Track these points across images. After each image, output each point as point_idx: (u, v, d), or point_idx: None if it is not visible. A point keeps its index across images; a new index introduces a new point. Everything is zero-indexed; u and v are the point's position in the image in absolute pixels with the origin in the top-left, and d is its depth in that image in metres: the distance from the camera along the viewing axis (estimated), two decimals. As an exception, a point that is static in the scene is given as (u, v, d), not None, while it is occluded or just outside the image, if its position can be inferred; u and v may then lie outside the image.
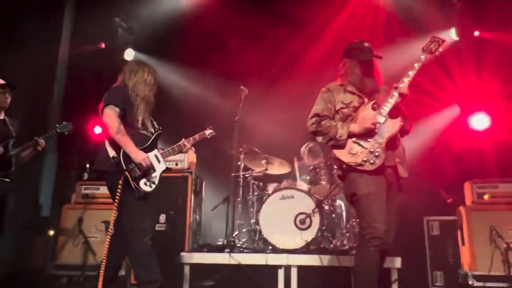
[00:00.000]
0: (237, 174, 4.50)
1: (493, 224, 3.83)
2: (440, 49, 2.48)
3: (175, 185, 4.40)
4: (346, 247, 4.05)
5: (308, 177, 4.50)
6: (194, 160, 4.64)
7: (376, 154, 2.28)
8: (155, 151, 2.86)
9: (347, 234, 4.25)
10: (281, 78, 5.93)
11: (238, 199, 4.53)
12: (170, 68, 6.15)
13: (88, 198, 4.80)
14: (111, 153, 2.69)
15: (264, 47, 6.10)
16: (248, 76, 5.37)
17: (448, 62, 5.36)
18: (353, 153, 2.33)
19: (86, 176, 5.43)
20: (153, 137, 2.90)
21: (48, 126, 5.67)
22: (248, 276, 3.77)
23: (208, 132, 3.27)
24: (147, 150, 2.77)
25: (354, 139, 2.36)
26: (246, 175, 4.60)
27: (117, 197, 2.61)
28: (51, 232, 4.77)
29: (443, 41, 2.48)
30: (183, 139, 3.12)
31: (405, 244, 4.01)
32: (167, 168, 2.95)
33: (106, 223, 4.50)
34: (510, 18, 5.05)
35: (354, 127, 2.36)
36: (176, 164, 4.56)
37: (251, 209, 4.47)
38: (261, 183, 4.65)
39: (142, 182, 2.70)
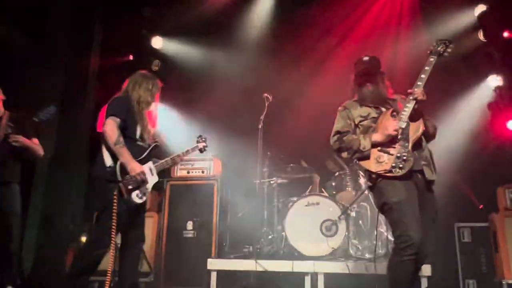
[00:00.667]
0: (262, 181, 4.50)
1: (529, 231, 3.72)
2: (449, 50, 2.45)
3: (201, 192, 4.44)
4: (374, 254, 3.98)
5: (333, 184, 4.46)
6: (220, 167, 4.68)
7: (404, 158, 2.25)
8: (150, 164, 2.86)
9: (375, 242, 4.18)
10: (306, 86, 5.92)
11: (264, 206, 4.53)
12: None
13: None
14: (108, 162, 2.71)
15: (287, 56, 6.12)
16: (272, 84, 5.38)
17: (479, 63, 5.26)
18: (381, 161, 2.31)
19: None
20: (149, 149, 2.90)
21: (79, 134, 5.86)
22: (275, 283, 3.75)
23: (200, 145, 3.27)
24: (142, 162, 2.78)
25: (379, 148, 2.35)
26: (271, 182, 4.60)
27: (114, 206, 2.60)
28: (84, 238, 4.88)
29: (450, 42, 2.46)
30: (180, 152, 3.13)
31: (436, 252, 3.94)
32: (160, 180, 2.97)
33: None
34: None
35: (377, 136, 2.36)
36: (202, 172, 4.61)
37: (277, 216, 4.46)
38: (286, 190, 4.64)
39: (134, 194, 2.70)
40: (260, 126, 4.31)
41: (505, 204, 4.03)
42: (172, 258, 4.29)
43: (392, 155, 2.29)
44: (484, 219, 4.31)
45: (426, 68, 2.40)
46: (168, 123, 5.67)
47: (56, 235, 5.10)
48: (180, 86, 6.16)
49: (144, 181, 2.74)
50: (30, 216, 5.32)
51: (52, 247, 5.02)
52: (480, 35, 5.31)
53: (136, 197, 2.70)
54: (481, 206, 4.60)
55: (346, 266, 3.58)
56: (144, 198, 2.79)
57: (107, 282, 2.67)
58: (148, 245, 4.53)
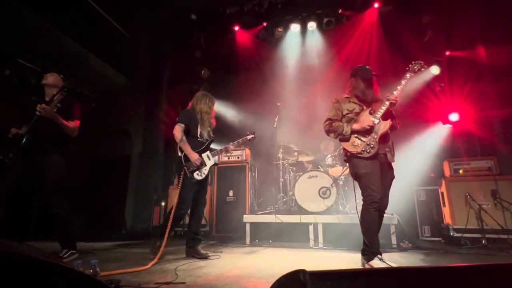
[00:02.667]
0: (278, 162, 4.51)
1: (467, 191, 3.56)
2: (422, 69, 2.42)
3: (237, 171, 4.48)
4: (356, 210, 3.92)
5: (327, 162, 4.41)
6: (249, 154, 4.72)
7: (372, 146, 2.26)
8: (207, 152, 2.88)
9: (357, 201, 4.11)
10: (304, 95, 5.85)
11: (280, 179, 4.54)
12: (230, 94, 6.31)
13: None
14: (179, 153, 2.83)
15: (292, 76, 6.07)
16: (282, 96, 5.35)
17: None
18: (355, 145, 2.31)
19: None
20: (207, 143, 2.90)
21: (157, 137, 6.03)
22: (289, 230, 3.77)
23: (249, 136, 3.17)
24: (201, 152, 2.84)
25: (356, 135, 2.33)
26: (284, 163, 4.60)
27: (180, 180, 2.75)
28: (163, 203, 5.00)
29: (423, 63, 2.41)
30: (230, 143, 3.04)
31: (401, 208, 3.87)
32: (215, 163, 2.97)
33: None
34: (474, 38, 4.68)
35: (356, 126, 2.33)
36: (238, 158, 4.65)
37: (289, 185, 4.46)
38: (294, 168, 4.63)
39: (195, 173, 2.76)
40: (275, 125, 4.31)
41: (449, 172, 3.87)
42: (220, 215, 4.37)
43: (363, 142, 2.28)
44: (435, 183, 4.16)
45: (403, 81, 2.34)
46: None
47: (146, 201, 5.30)
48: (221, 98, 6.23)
49: (202, 164, 2.80)
50: (129, 189, 5.55)
51: (143, 209, 5.22)
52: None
53: (197, 175, 2.77)
54: (432, 174, 4.44)
55: (337, 218, 3.56)
56: (203, 176, 2.81)
57: (167, 228, 2.71)
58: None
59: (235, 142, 3.05)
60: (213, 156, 2.91)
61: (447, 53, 4.99)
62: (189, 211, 2.91)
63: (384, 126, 2.30)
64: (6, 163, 2.51)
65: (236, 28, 6.27)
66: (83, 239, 3.68)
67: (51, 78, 2.81)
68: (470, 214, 3.49)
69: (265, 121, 5.13)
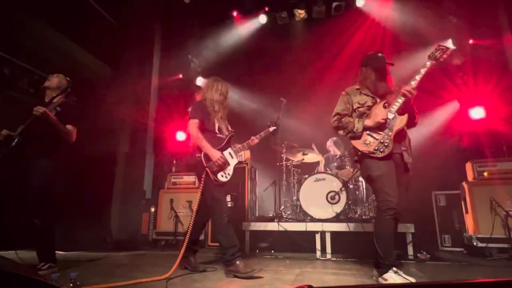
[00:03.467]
0: (281, 163, 4.50)
1: (492, 196, 3.55)
2: (445, 56, 2.24)
3: (236, 173, 4.32)
4: (368, 216, 3.92)
5: (335, 164, 4.41)
6: (248, 154, 4.70)
7: (386, 144, 2.21)
8: (229, 149, 2.75)
9: (369, 206, 4.11)
10: (310, 90, 5.84)
11: (283, 182, 4.53)
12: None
13: (176, 185, 5.01)
14: (197, 153, 2.67)
15: (296, 68, 6.05)
16: (286, 90, 5.33)
17: (450, 67, 5.00)
18: (367, 143, 2.26)
19: (173, 169, 5.68)
20: (227, 138, 2.77)
21: (146, 135, 6.01)
22: (293, 240, 3.76)
23: (271, 129, 3.08)
24: (222, 149, 2.69)
25: (368, 132, 2.28)
26: (288, 164, 4.59)
27: (201, 185, 2.61)
28: (152, 209, 5.02)
29: (448, 48, 2.24)
30: (252, 137, 2.93)
31: (418, 214, 3.85)
32: (239, 161, 2.83)
33: (189, 202, 4.70)
34: (498, 27, 4.68)
35: (368, 122, 2.29)
36: (236, 158, 4.65)
37: (293, 189, 4.46)
38: (299, 170, 4.62)
39: (219, 175, 2.62)
40: (278, 122, 4.28)
41: (472, 175, 3.86)
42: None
43: (376, 139, 2.23)
44: (456, 187, 4.15)
45: (421, 70, 2.22)
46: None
47: (133, 207, 5.28)
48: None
49: (225, 164, 2.66)
50: (114, 193, 5.53)
51: (130, 215, 5.20)
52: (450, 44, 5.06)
53: (221, 177, 2.63)
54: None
55: (347, 226, 3.56)
56: (229, 177, 2.69)
57: (187, 236, 2.68)
58: (199, 213, 4.65)
59: (258, 135, 2.94)
60: (235, 153, 2.79)
61: (471, 41, 4.97)
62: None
63: (400, 122, 2.23)
64: None
65: (235, 13, 6.25)
66: (63, 248, 3.66)
67: (56, 80, 2.80)
68: (496, 221, 3.48)
69: (267, 117, 5.10)
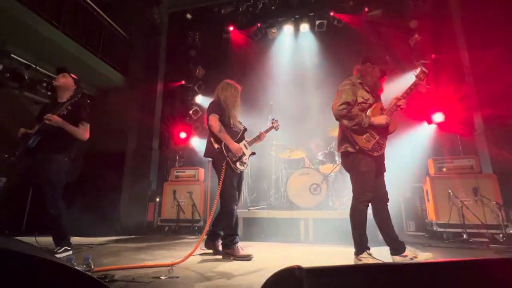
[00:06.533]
0: (270, 159, 4.50)
1: (450, 188, 3.62)
2: (424, 78, 2.26)
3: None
4: (345, 205, 3.96)
5: (318, 160, 4.43)
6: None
7: (381, 145, 2.16)
8: (244, 141, 2.72)
9: (346, 197, 4.14)
10: (297, 95, 5.85)
11: (272, 176, 4.53)
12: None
13: (178, 178, 4.96)
14: (216, 145, 2.57)
15: (284, 76, 6.04)
16: (275, 95, 5.32)
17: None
18: (367, 140, 2.14)
19: (176, 164, 5.64)
20: (241, 132, 2.74)
21: (152, 134, 5.94)
22: (280, 225, 3.77)
23: (275, 124, 3.01)
24: (238, 141, 2.66)
25: (369, 129, 2.16)
26: (277, 160, 4.59)
27: (222, 174, 2.49)
28: (157, 199, 4.97)
29: (427, 73, 2.27)
30: (261, 131, 2.90)
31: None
32: (253, 152, 2.78)
33: (190, 193, 4.67)
34: (455, 44, 4.78)
35: (375, 120, 2.13)
36: (232, 155, 4.63)
37: (281, 182, 4.46)
38: (286, 165, 4.63)
39: (238, 164, 2.57)
40: (268, 124, 4.27)
41: (434, 170, 3.93)
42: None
43: (374, 139, 2.16)
44: (420, 180, 4.22)
45: (412, 85, 2.21)
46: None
47: (140, 197, 5.22)
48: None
49: (243, 154, 2.62)
50: (124, 185, 5.46)
51: (138, 204, 5.14)
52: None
53: (239, 165, 2.59)
54: (417, 172, 4.52)
55: (327, 214, 3.58)
56: (246, 166, 2.66)
57: (207, 223, 2.62)
58: (198, 202, 4.62)
59: (265, 130, 2.92)
60: (249, 145, 2.75)
61: (433, 56, 5.06)
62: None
63: (392, 127, 2.21)
64: (11, 161, 2.47)
65: (231, 28, 6.23)
66: (77, 233, 3.60)
67: (62, 80, 2.70)
68: (453, 210, 3.55)
69: (259, 119, 5.09)
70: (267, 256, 2.57)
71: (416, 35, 5.13)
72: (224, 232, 2.54)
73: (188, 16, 6.25)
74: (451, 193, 3.58)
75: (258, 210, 3.99)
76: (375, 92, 2.29)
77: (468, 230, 3.40)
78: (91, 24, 5.47)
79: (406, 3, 5.27)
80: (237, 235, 2.54)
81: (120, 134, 5.78)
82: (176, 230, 4.47)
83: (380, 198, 2.22)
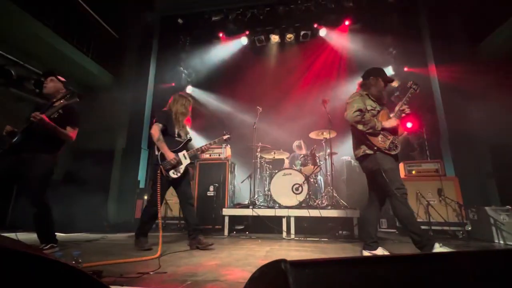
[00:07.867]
0: (255, 160, 4.52)
1: (418, 189, 3.77)
2: (417, 90, 2.36)
3: (218, 168, 4.42)
4: (324, 204, 4.03)
5: (300, 161, 4.49)
6: (230, 152, 4.68)
7: (395, 144, 2.23)
8: (184, 152, 2.75)
9: (325, 196, 4.23)
10: (281, 101, 5.92)
11: (257, 176, 4.55)
12: (212, 95, 6.25)
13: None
14: (156, 152, 2.68)
15: (270, 82, 6.10)
16: (262, 100, 5.36)
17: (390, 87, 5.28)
18: (382, 141, 2.21)
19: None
20: (183, 142, 2.78)
21: (141, 134, 5.81)
22: (264, 222, 3.79)
23: (225, 136, 3.00)
24: (178, 151, 2.71)
25: (383, 132, 2.24)
26: (261, 161, 4.62)
27: (158, 178, 2.58)
28: (145, 197, 4.87)
29: (419, 86, 2.37)
30: (206, 143, 2.91)
31: (363, 202, 3.98)
32: (192, 162, 2.80)
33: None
34: (425, 58, 5.01)
35: (386, 123, 2.24)
36: (219, 155, 4.60)
37: (265, 182, 4.48)
38: (271, 165, 4.66)
39: (171, 172, 2.63)
40: (254, 127, 4.31)
41: (404, 173, 4.07)
42: (201, 208, 4.25)
43: (389, 139, 2.23)
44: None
45: (409, 94, 2.32)
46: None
47: (128, 195, 5.09)
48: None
49: (179, 163, 2.67)
50: (112, 183, 5.30)
51: (126, 202, 5.01)
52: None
53: (172, 173, 2.64)
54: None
55: (307, 212, 3.62)
56: (179, 174, 2.66)
57: (159, 223, 2.68)
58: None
59: (211, 142, 2.91)
60: (189, 155, 2.77)
61: (406, 69, 5.28)
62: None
63: (400, 130, 2.32)
64: None
65: (221, 34, 6.22)
66: (64, 230, 3.45)
67: (50, 85, 2.61)
68: (420, 209, 3.71)
69: (245, 122, 5.12)
70: (250, 251, 2.58)
71: (391, 49, 5.35)
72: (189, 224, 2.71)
73: (180, 21, 6.18)
74: (419, 194, 3.74)
75: (243, 208, 3.99)
76: (381, 101, 2.39)
77: (433, 227, 3.57)
78: (82, 23, 5.28)
79: (381, 20, 5.48)
80: (199, 225, 2.72)
81: (109, 132, 5.61)
82: (163, 227, 4.36)
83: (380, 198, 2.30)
